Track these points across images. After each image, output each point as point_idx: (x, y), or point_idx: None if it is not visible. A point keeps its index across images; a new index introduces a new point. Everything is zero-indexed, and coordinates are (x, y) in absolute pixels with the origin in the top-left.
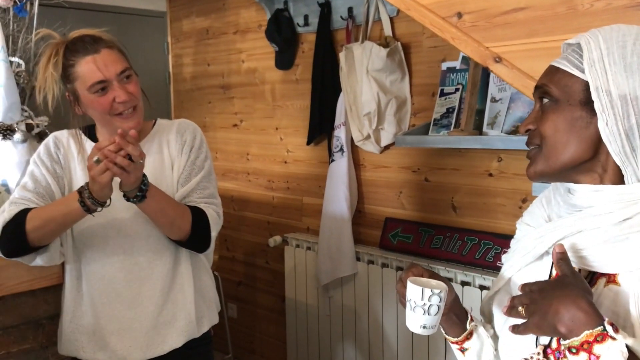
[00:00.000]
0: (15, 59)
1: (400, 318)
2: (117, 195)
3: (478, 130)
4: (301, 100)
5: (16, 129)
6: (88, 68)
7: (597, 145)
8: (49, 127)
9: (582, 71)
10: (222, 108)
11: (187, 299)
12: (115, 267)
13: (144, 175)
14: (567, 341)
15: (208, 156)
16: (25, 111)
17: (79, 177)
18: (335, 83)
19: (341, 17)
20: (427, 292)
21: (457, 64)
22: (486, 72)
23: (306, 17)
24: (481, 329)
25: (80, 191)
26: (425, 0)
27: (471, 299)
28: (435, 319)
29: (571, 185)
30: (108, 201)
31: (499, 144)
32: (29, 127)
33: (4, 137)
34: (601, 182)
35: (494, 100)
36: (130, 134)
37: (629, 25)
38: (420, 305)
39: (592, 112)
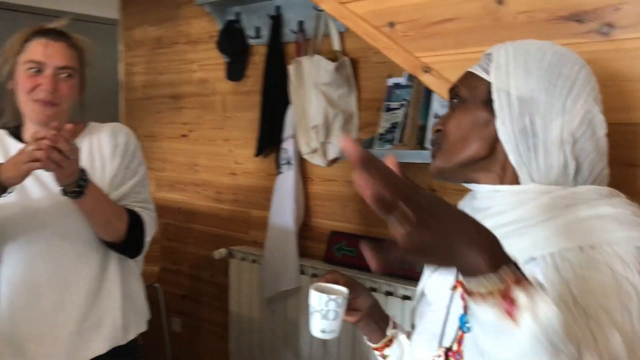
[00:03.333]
0: None
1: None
2: (44, 197)
3: (420, 145)
4: (251, 112)
5: None
6: (36, 47)
7: (494, 144)
8: None
9: (489, 73)
10: (172, 118)
11: (114, 305)
12: (39, 270)
13: (84, 172)
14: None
15: (142, 162)
16: None
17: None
18: (285, 96)
19: (292, 30)
20: (324, 297)
21: (402, 80)
22: (429, 89)
23: (258, 29)
24: (402, 337)
25: None
26: (360, 9)
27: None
28: (333, 324)
29: (472, 186)
30: (12, 188)
31: None
32: None
33: None
34: (501, 182)
35: (436, 116)
36: (65, 128)
37: (543, 41)
38: (318, 310)
39: (493, 112)
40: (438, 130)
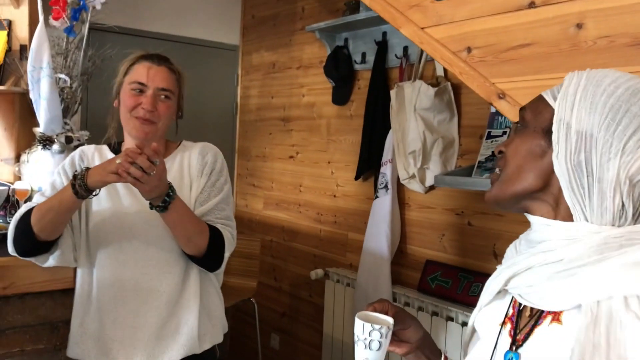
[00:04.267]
0: (62, 76)
1: None
2: (135, 207)
3: None
4: (354, 135)
5: (55, 140)
6: (141, 69)
7: (549, 176)
8: (89, 142)
9: (556, 100)
10: (281, 140)
11: (192, 315)
12: (126, 275)
13: (171, 188)
14: None
15: (227, 181)
16: (67, 124)
17: (100, 191)
18: (387, 120)
19: (396, 55)
20: (368, 327)
21: None
22: None
23: (364, 55)
24: None
25: (74, 175)
26: (438, 34)
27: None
28: (377, 354)
29: (527, 215)
30: (97, 191)
31: None
32: (68, 140)
33: (44, 147)
34: (554, 216)
35: None
36: (151, 147)
37: (621, 72)
38: (362, 339)
39: (550, 142)
40: (500, 152)
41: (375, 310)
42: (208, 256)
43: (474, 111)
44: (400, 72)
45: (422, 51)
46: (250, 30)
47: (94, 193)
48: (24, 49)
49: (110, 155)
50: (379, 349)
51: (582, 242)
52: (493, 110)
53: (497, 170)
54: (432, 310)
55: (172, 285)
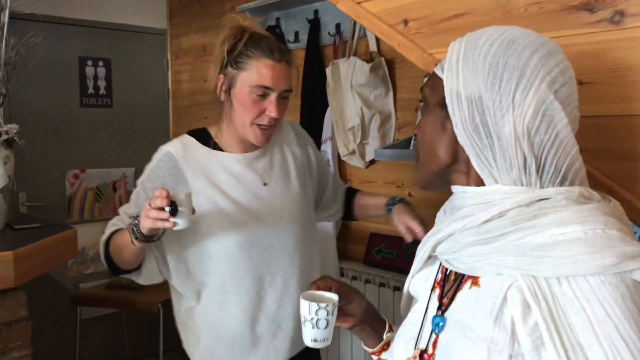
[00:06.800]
0: None
1: None
2: (262, 211)
3: None
4: (292, 115)
5: None
6: (264, 69)
7: (456, 147)
8: (18, 135)
9: (444, 72)
10: None
11: (316, 271)
12: (263, 275)
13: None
14: None
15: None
16: None
17: (198, 188)
18: (324, 98)
19: (329, 33)
20: (314, 306)
21: None
22: None
23: (297, 34)
24: None
25: (133, 218)
26: (375, 8)
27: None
28: (325, 332)
29: (451, 187)
30: (155, 237)
31: None
32: None
33: None
34: (468, 182)
35: None
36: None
37: (498, 27)
38: (309, 319)
39: (448, 114)
40: (416, 135)
41: (318, 288)
42: None
43: (408, 85)
44: (334, 49)
45: (355, 27)
46: (177, 13)
47: (154, 238)
48: None
49: (202, 152)
50: (326, 327)
51: (495, 207)
52: None
53: (416, 155)
54: (379, 281)
55: (301, 274)
